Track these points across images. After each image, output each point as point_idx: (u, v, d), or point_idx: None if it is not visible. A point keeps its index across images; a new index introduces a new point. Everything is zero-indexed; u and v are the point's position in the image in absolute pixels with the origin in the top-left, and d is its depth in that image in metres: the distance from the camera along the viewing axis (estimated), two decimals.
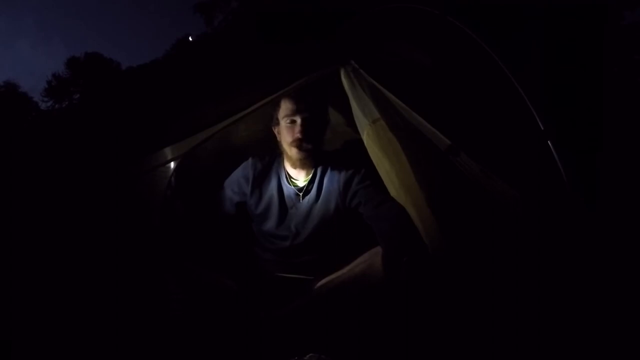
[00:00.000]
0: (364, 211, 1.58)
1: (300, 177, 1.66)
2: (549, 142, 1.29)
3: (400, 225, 1.36)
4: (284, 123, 1.55)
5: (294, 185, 1.66)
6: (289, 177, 1.67)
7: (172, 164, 1.65)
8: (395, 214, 1.40)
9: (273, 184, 1.67)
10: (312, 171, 1.65)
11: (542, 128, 1.31)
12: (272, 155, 1.71)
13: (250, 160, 1.70)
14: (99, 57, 19.25)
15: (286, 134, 1.55)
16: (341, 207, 1.62)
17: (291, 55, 1.59)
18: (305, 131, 1.50)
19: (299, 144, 1.52)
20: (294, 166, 1.63)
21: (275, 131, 1.63)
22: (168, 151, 1.56)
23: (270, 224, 1.67)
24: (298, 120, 1.51)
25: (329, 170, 1.64)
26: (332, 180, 1.63)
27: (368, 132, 1.43)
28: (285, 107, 1.53)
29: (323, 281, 1.57)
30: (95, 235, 1.40)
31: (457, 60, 1.47)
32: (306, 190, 1.65)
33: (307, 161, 1.61)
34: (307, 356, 1.26)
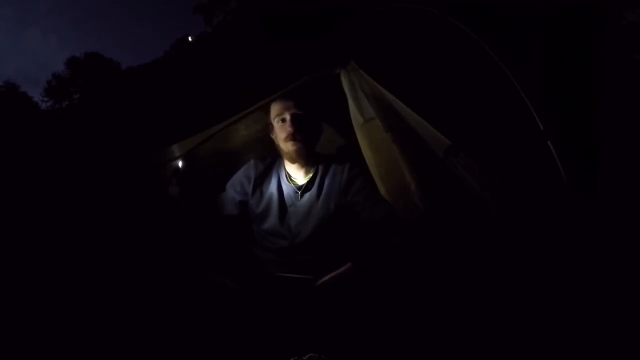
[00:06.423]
0: (360, 211, 1.59)
1: (300, 176, 1.68)
2: (549, 142, 1.29)
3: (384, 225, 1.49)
4: (276, 123, 1.63)
5: (294, 184, 1.68)
6: (288, 176, 1.70)
7: (173, 164, 1.66)
8: (383, 215, 1.51)
9: (273, 183, 1.70)
10: (313, 170, 1.68)
11: (542, 128, 1.31)
12: (273, 156, 1.75)
13: (252, 161, 1.75)
14: (99, 57, 19.24)
15: (280, 132, 1.62)
16: (341, 206, 1.64)
17: (291, 55, 1.59)
18: (296, 124, 1.58)
19: (292, 137, 1.58)
20: (292, 162, 1.66)
21: (273, 136, 1.68)
22: (168, 151, 1.56)
23: (270, 222, 1.68)
24: (288, 116, 1.59)
25: (330, 170, 1.67)
26: (333, 180, 1.65)
27: (362, 130, 1.45)
28: (274, 109, 1.63)
29: (323, 278, 1.57)
30: (94, 235, 1.40)
31: (457, 60, 1.47)
32: (306, 188, 1.67)
33: (305, 158, 1.64)
34: (307, 356, 1.26)
